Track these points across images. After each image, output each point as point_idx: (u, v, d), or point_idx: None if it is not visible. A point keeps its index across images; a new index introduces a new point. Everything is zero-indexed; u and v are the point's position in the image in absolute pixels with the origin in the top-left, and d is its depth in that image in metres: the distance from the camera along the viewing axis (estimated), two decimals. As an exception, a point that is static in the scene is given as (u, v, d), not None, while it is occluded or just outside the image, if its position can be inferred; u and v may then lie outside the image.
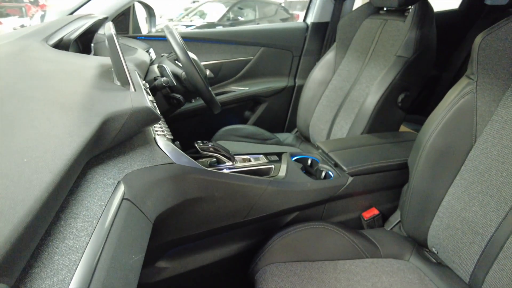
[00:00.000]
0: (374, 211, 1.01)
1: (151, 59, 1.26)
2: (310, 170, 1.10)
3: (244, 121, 1.77)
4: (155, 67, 1.17)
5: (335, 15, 1.68)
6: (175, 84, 1.10)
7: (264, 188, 0.86)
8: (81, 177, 0.52)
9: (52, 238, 0.39)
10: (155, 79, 1.10)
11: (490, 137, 0.71)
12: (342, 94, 1.43)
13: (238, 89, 1.69)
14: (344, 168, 0.97)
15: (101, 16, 1.15)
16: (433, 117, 0.83)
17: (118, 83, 0.70)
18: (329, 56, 1.50)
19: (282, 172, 0.96)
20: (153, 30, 1.72)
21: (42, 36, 0.85)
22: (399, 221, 1.00)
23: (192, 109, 1.63)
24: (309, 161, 1.12)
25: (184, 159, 0.76)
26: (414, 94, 1.19)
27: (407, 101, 1.19)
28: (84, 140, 0.47)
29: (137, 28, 1.55)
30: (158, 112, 0.73)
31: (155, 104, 0.83)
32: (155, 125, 0.87)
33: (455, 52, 2.07)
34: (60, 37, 0.88)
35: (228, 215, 0.84)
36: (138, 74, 0.98)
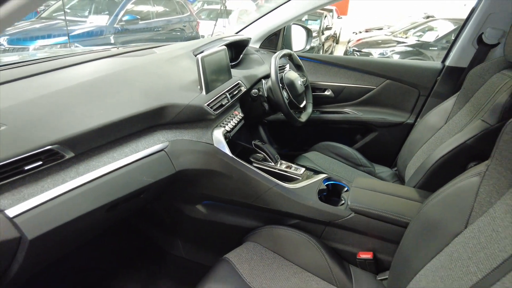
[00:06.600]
0: (369, 255, 1.03)
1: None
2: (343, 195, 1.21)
3: (354, 142, 1.88)
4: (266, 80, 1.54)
5: (474, 63, 1.48)
6: (265, 96, 1.44)
7: (269, 186, 1.11)
8: (150, 132, 0.98)
9: (109, 148, 0.85)
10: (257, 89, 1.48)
11: (477, 230, 0.67)
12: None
13: (353, 112, 1.82)
14: (349, 202, 1.05)
15: (245, 36, 1.62)
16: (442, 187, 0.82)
17: (199, 87, 1.14)
18: (448, 103, 1.41)
19: (299, 185, 1.15)
20: (307, 48, 2.06)
21: (192, 49, 1.40)
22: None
23: (311, 119, 1.89)
24: (345, 189, 1.23)
25: (221, 145, 1.12)
26: None
27: None
28: (138, 112, 0.90)
29: (287, 46, 1.95)
30: (211, 110, 1.10)
31: (223, 103, 1.20)
32: (227, 118, 1.27)
33: None
34: (202, 50, 1.41)
35: (241, 194, 1.14)
36: (242, 83, 1.39)
